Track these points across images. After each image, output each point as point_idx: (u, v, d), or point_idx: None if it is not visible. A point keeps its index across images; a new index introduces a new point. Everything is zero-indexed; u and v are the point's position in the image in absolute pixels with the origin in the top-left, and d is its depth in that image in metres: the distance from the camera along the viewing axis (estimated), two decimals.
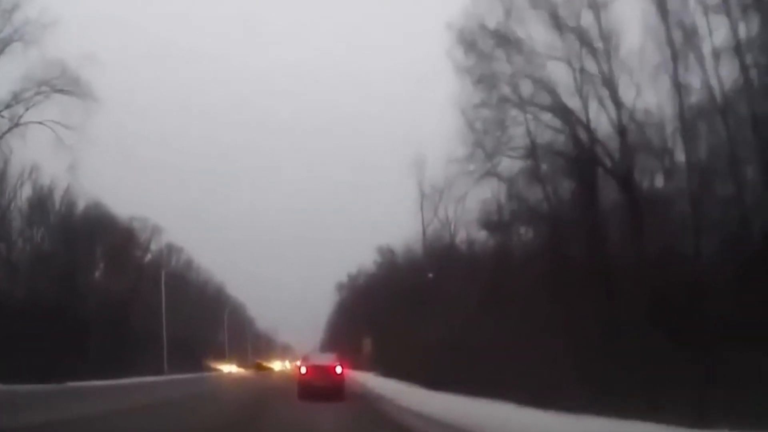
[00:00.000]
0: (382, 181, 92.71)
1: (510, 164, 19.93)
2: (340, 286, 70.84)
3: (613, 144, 17.68)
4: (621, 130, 17.40)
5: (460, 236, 35.65)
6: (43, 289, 36.66)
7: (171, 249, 67.54)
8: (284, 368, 76.42)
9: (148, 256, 59.80)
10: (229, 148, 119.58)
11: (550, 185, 18.98)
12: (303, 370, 23.14)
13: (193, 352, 59.70)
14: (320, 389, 21.46)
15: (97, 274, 47.96)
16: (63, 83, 28.33)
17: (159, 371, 45.60)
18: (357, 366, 45.64)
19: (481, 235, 33.54)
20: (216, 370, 66.14)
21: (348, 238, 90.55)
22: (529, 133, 19.54)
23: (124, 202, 53.63)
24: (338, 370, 22.79)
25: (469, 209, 31.05)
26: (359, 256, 69.25)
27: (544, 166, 19.13)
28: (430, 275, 32.51)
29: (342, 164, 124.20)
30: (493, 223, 22.03)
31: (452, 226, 36.55)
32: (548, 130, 18.95)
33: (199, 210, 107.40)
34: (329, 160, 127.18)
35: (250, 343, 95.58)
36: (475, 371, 19.71)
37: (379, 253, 53.08)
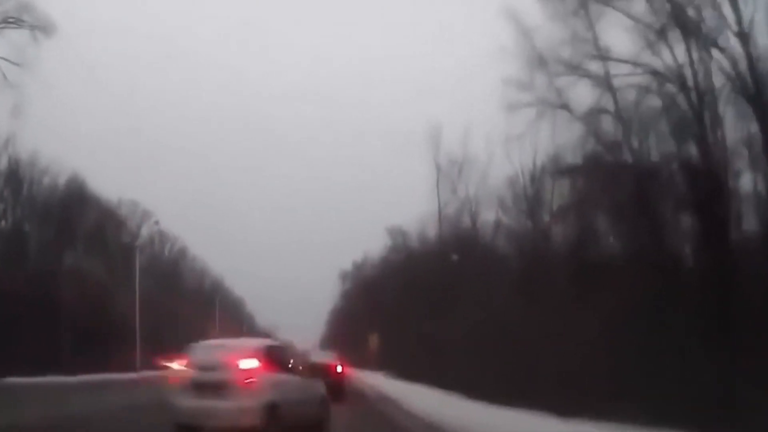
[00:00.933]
0: (390, 164, 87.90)
1: (579, 97, 14.69)
2: (344, 275, 65.29)
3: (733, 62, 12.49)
4: (742, 36, 12.22)
5: (482, 218, 31.07)
6: (15, 273, 33.07)
7: (163, 237, 62.86)
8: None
9: (138, 243, 55.12)
10: (230, 135, 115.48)
11: (636, 123, 13.79)
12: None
13: (179, 347, 54.30)
14: None
15: (75, 257, 43.29)
16: (14, 12, 23.47)
17: (132, 368, 40.20)
18: (361, 365, 41.14)
19: (510, 214, 28.95)
20: (165, 368, 47.85)
21: (352, 232, 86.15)
22: (600, 54, 14.28)
23: (128, 201, 49.81)
24: (339, 369, 22.26)
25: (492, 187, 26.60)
26: (365, 246, 64.26)
27: (626, 96, 13.85)
28: (455, 257, 27.51)
29: (346, 151, 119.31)
30: (569, 169, 16.63)
31: (473, 205, 31.91)
32: (636, 46, 13.70)
33: (198, 204, 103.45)
34: (332, 147, 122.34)
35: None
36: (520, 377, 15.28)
37: (389, 236, 46.12)
